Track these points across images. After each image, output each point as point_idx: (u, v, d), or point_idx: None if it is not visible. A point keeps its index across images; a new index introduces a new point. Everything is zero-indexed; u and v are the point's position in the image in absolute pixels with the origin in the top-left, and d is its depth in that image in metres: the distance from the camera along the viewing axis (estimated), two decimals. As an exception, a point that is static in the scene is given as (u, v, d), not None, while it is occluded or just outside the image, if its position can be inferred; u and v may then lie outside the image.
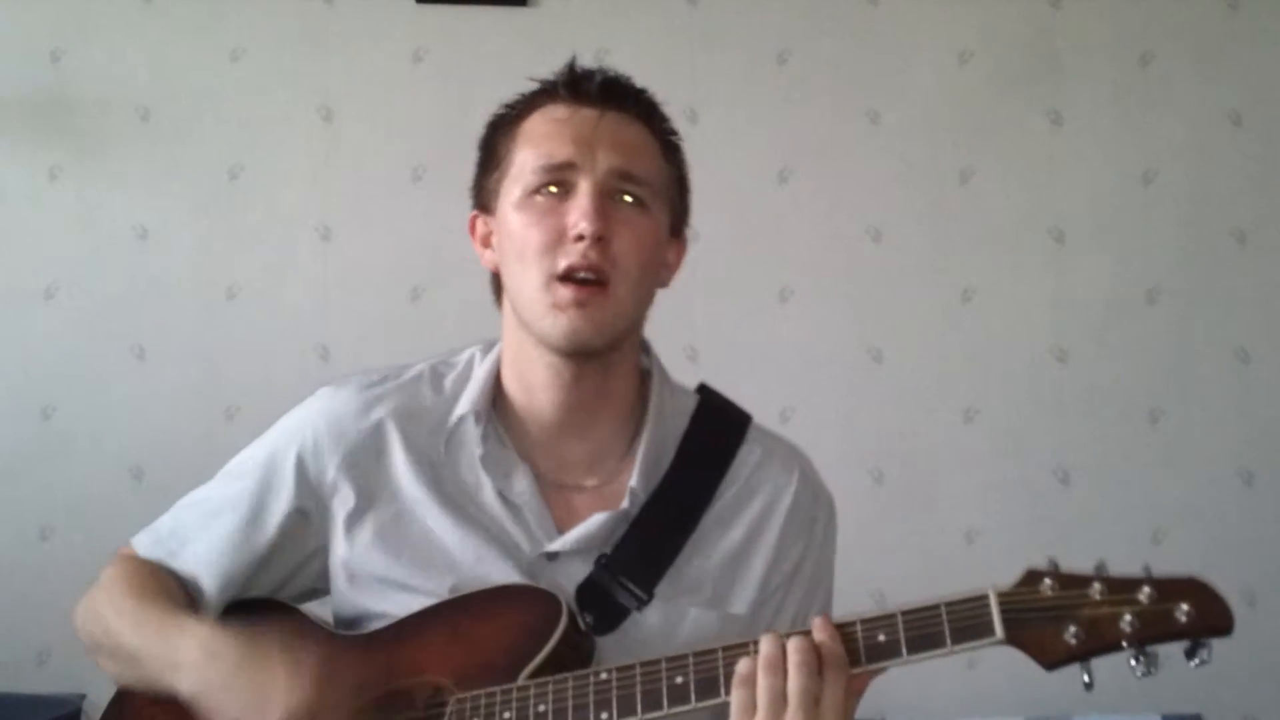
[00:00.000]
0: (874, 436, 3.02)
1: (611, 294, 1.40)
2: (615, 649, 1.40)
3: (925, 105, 3.05)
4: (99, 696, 1.53)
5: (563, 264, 1.39)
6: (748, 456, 1.51)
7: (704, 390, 1.56)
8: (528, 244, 1.41)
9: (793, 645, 1.24)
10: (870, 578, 2.91)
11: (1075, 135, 3.04)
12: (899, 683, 1.36)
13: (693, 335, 2.89)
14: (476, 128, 1.52)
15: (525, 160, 1.44)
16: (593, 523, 1.44)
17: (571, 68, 1.47)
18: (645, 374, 1.53)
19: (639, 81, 1.49)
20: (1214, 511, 2.97)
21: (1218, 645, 1.16)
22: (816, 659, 1.23)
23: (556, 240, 1.40)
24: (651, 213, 1.44)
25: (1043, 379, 3.02)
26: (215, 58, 3.04)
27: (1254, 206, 3.03)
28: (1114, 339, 3.03)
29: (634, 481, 1.45)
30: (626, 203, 1.42)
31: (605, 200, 1.41)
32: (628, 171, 1.42)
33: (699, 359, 2.85)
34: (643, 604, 1.42)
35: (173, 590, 1.49)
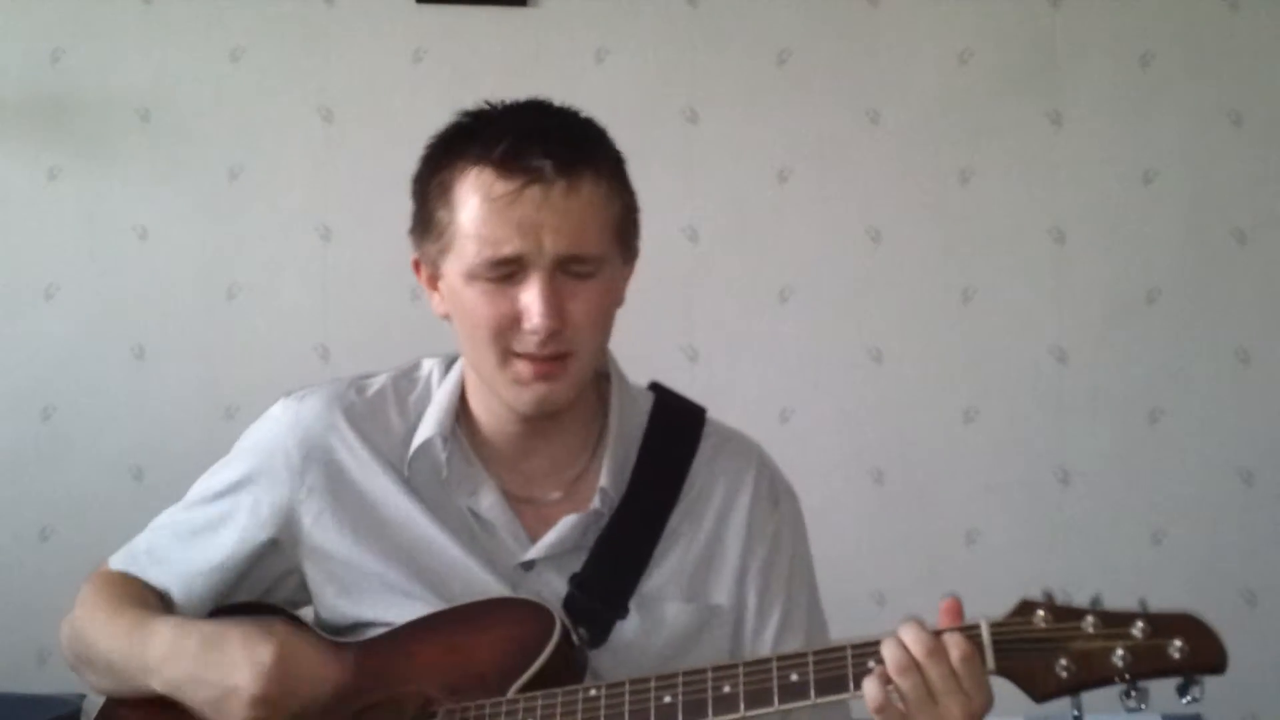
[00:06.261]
0: (874, 436, 3.02)
1: (575, 361, 1.40)
2: (602, 654, 1.42)
3: (925, 105, 3.05)
4: (99, 697, 1.53)
5: (518, 349, 1.38)
6: (706, 449, 1.51)
7: (657, 388, 1.56)
8: (479, 325, 1.39)
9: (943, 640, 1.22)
10: (870, 578, 2.91)
11: (1075, 135, 3.04)
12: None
13: (693, 335, 2.87)
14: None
15: (466, 246, 1.37)
16: (564, 525, 1.45)
17: (510, 135, 1.37)
18: (604, 376, 1.52)
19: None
20: (1214, 511, 2.96)
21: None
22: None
23: (510, 325, 1.37)
24: (605, 273, 1.40)
25: (1043, 379, 3.01)
26: (215, 58, 3.03)
27: (1254, 206, 3.03)
28: (1114, 339, 3.02)
29: (604, 481, 1.46)
30: (578, 275, 1.38)
31: (555, 284, 1.36)
32: (577, 255, 1.37)
33: (699, 359, 2.84)
34: (625, 611, 1.43)
35: (146, 597, 1.51)
